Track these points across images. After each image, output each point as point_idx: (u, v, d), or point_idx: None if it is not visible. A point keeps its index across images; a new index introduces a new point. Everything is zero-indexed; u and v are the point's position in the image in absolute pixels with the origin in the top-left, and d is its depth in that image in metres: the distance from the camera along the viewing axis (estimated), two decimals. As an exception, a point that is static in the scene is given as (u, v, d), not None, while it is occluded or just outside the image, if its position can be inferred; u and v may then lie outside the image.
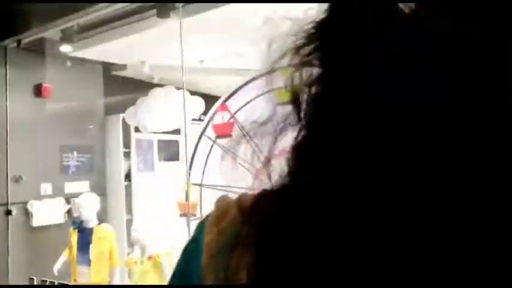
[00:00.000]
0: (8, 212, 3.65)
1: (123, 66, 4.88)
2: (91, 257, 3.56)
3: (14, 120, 3.81)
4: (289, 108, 0.34)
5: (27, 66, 4.00)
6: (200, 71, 4.61)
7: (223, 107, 4.03)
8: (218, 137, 4.03)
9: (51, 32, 3.77)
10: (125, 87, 4.93)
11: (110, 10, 3.42)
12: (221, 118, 4.03)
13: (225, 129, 4.00)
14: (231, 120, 3.97)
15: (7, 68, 3.83)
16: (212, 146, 4.06)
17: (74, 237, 3.64)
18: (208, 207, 3.85)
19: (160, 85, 4.59)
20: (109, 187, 4.44)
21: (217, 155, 4.01)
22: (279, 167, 0.34)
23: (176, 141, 5.16)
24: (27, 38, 3.79)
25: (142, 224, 3.26)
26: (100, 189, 4.31)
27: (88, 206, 3.63)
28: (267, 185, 0.35)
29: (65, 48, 3.86)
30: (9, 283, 3.61)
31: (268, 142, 0.35)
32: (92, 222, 3.67)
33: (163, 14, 3.12)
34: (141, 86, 4.83)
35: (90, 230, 3.64)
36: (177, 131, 5.07)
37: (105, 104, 4.66)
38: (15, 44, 3.85)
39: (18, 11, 3.75)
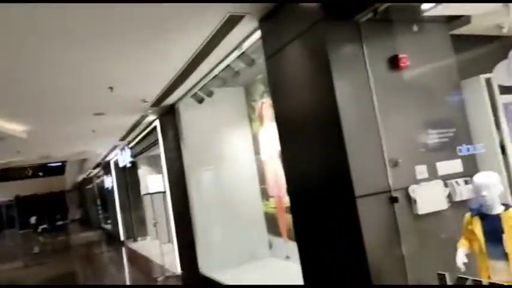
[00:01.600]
0: (394, 200, 3.33)
1: (466, 20, 4.07)
2: (506, 250, 2.90)
3: (378, 99, 3.48)
4: None
5: (378, 38, 3.62)
6: None
7: None
8: None
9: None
10: (471, 43, 4.13)
11: None
12: None
13: None
14: None
15: (363, 44, 3.52)
16: None
17: (477, 226, 3.04)
18: None
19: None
20: (480, 165, 3.71)
21: None
22: None
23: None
24: (382, 6, 3.38)
25: None
26: (471, 168, 3.63)
27: (492, 188, 2.97)
28: None
29: (426, 5, 3.31)
30: (408, 280, 3.29)
31: None
32: (496, 207, 3.00)
33: None
34: (492, 40, 3.92)
35: (497, 217, 2.97)
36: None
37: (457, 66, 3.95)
38: (366, 17, 3.51)
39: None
